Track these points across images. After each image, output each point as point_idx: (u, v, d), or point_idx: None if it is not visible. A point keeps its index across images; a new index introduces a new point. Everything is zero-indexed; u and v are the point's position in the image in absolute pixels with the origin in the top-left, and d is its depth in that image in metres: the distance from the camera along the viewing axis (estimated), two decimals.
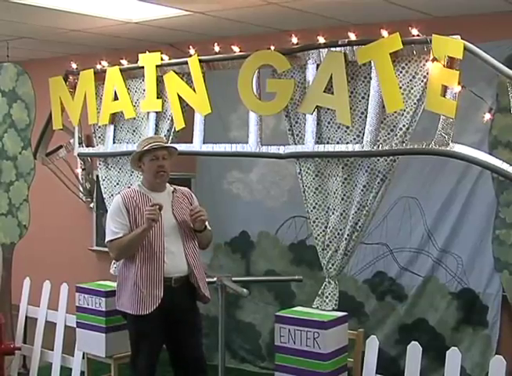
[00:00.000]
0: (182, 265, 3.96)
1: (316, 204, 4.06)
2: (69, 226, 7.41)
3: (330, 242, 4.03)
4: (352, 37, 3.82)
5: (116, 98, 5.01)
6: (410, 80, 3.66)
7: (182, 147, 4.53)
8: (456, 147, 3.54)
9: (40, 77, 5.76)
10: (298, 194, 4.22)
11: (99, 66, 5.12)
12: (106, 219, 4.06)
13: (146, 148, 3.97)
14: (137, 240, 3.87)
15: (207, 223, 4.06)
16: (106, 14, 5.31)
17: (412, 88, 3.65)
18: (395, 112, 3.70)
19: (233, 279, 4.10)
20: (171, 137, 4.74)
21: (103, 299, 4.64)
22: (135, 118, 4.97)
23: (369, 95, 3.78)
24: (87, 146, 5.43)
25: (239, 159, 5.27)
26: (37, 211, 6.40)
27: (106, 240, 3.98)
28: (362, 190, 3.88)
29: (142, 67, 4.84)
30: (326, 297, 4.04)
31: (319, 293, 4.09)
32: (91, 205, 6.63)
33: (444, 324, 5.17)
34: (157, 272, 3.88)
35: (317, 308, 4.05)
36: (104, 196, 5.25)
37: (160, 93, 4.78)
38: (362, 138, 3.81)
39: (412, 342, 3.88)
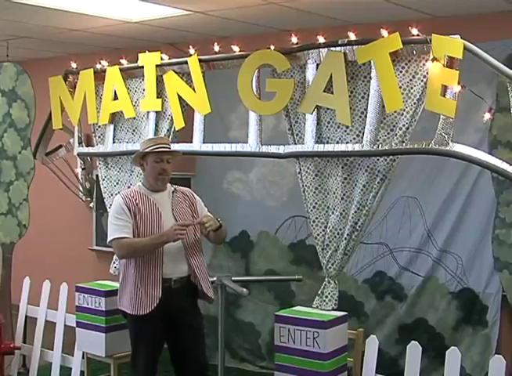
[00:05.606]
0: (181, 266, 3.95)
1: (316, 203, 4.06)
2: (69, 226, 7.40)
3: (330, 242, 4.03)
4: (352, 36, 3.82)
5: (116, 97, 5.01)
6: (410, 79, 3.66)
7: (181, 147, 4.54)
8: (456, 147, 3.54)
9: (40, 77, 5.76)
10: (298, 194, 4.22)
11: (98, 66, 5.12)
12: (108, 219, 4.03)
13: (152, 149, 3.94)
14: (152, 248, 3.86)
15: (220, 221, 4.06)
16: (106, 14, 5.31)
17: (411, 88, 3.65)
18: (395, 112, 3.70)
19: (233, 278, 4.11)
20: (170, 137, 4.73)
21: (103, 299, 4.64)
22: (134, 118, 4.98)
23: (368, 95, 3.78)
24: (87, 146, 5.43)
25: (239, 159, 5.28)
26: (37, 210, 6.39)
27: (111, 238, 3.91)
28: (362, 190, 3.88)
29: (142, 67, 4.84)
30: (326, 296, 4.04)
31: (319, 293, 4.09)
32: (91, 205, 6.65)
33: (444, 324, 5.17)
34: (156, 273, 3.87)
35: (317, 307, 4.05)
36: (104, 195, 5.24)
37: (160, 93, 4.78)
38: (362, 137, 3.81)
39: (412, 342, 3.88)
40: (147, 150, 3.97)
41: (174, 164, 4.09)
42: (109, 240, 3.96)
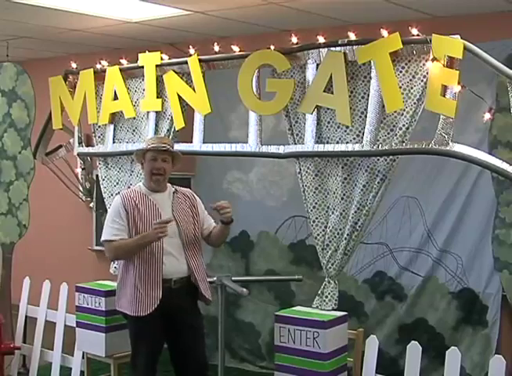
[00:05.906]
0: (181, 267, 3.94)
1: (316, 203, 4.06)
2: (69, 226, 7.40)
3: (330, 242, 4.03)
4: (352, 36, 3.82)
5: (116, 97, 5.01)
6: (410, 79, 3.66)
7: (181, 147, 4.53)
8: (456, 147, 3.54)
9: (40, 77, 5.76)
10: (298, 194, 4.22)
11: (98, 66, 5.12)
12: (106, 218, 4.05)
13: (148, 147, 3.97)
14: (137, 248, 3.85)
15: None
16: (106, 14, 5.32)
17: (411, 88, 3.65)
18: (395, 112, 3.70)
19: (233, 278, 4.11)
20: (170, 137, 4.73)
21: (103, 299, 4.64)
22: (134, 118, 4.97)
23: (368, 95, 3.78)
24: (87, 146, 5.43)
25: (239, 159, 5.28)
26: (37, 210, 6.39)
27: (103, 238, 3.96)
28: (362, 190, 3.88)
29: (142, 67, 4.84)
30: (326, 296, 4.03)
31: (319, 292, 4.09)
32: (91, 205, 6.65)
33: (444, 324, 5.17)
34: (156, 274, 3.86)
35: (317, 307, 4.05)
36: (104, 195, 5.24)
37: (160, 93, 4.78)
38: (362, 137, 3.81)
39: (412, 342, 3.88)
40: (143, 148, 4.00)
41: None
42: (101, 239, 4.00)
